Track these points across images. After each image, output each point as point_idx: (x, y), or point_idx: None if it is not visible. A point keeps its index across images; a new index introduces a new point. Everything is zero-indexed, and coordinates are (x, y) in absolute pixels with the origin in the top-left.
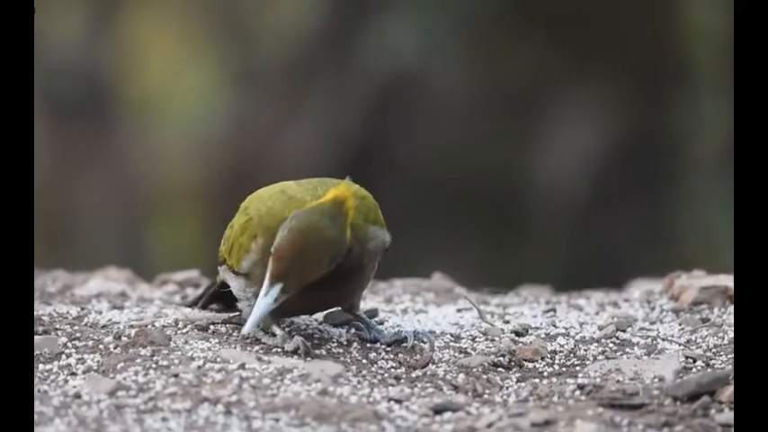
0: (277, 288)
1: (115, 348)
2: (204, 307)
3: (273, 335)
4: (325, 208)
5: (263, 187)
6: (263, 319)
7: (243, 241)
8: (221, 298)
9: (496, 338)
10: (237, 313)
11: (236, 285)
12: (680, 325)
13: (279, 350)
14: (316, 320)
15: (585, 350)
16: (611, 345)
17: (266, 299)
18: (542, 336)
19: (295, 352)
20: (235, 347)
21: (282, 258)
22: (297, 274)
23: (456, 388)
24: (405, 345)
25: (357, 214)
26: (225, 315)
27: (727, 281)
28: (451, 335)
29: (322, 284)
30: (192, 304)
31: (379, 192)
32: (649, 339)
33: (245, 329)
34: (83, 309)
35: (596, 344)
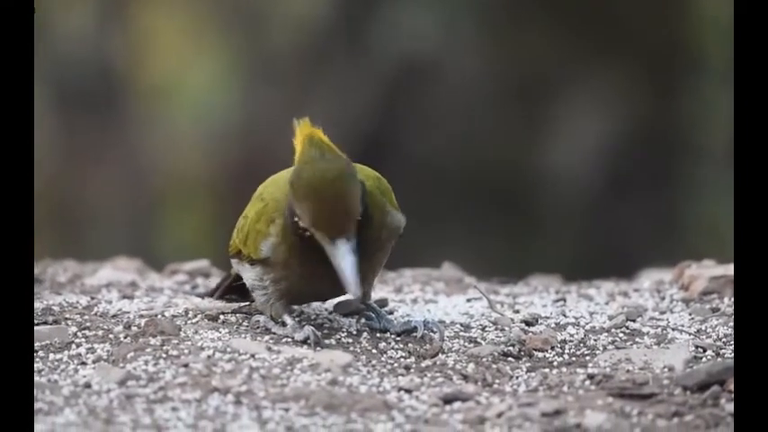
0: (342, 241)
1: (125, 338)
2: (221, 297)
3: (284, 324)
4: (310, 152)
5: (274, 174)
6: (276, 308)
7: (260, 227)
8: (238, 290)
9: (506, 328)
10: (248, 303)
11: (251, 275)
12: (690, 315)
13: (289, 340)
14: (326, 310)
15: (595, 340)
16: (620, 334)
17: (345, 255)
18: (552, 325)
19: (305, 342)
20: (245, 337)
21: (321, 212)
22: (342, 218)
23: (466, 378)
24: (414, 334)
25: (374, 188)
26: (235, 305)
27: None
28: (461, 324)
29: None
30: (208, 295)
31: (389, 181)
32: (659, 329)
33: (354, 291)
34: (93, 298)
35: (606, 333)
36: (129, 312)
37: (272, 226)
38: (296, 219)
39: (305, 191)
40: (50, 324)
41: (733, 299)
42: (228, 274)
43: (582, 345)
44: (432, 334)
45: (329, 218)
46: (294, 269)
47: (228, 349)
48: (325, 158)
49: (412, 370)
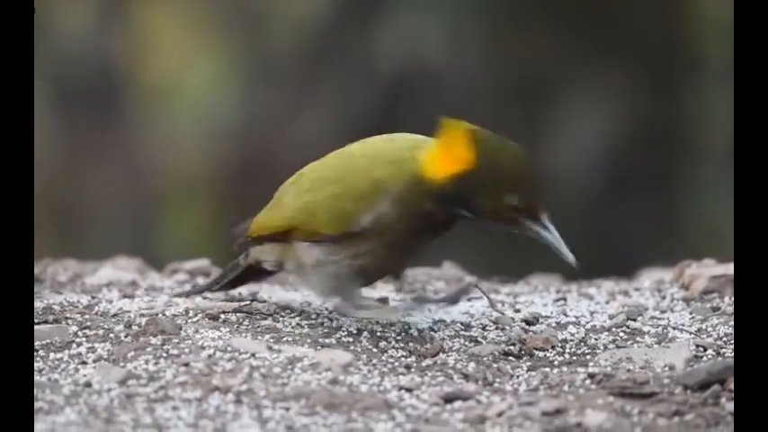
0: (545, 216)
1: (126, 337)
2: (234, 287)
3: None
4: (492, 140)
5: (311, 162)
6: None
7: (353, 204)
8: (253, 276)
9: (507, 327)
10: (248, 302)
11: (312, 254)
12: (690, 314)
13: (289, 339)
14: (326, 309)
15: (596, 339)
16: (621, 334)
17: (553, 228)
18: (553, 325)
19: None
20: (245, 336)
21: (534, 190)
22: (545, 195)
23: (466, 377)
24: (469, 297)
25: None
26: (236, 304)
27: None
28: (462, 324)
29: (433, 230)
30: (208, 289)
31: None
32: (660, 328)
33: (573, 260)
34: (93, 298)
35: (607, 333)
36: (129, 312)
37: (381, 199)
38: (508, 201)
39: (521, 175)
40: (51, 323)
41: (733, 298)
42: (236, 264)
43: (582, 344)
44: (432, 333)
45: (540, 195)
46: (388, 240)
47: (229, 348)
48: (506, 142)
49: (413, 369)
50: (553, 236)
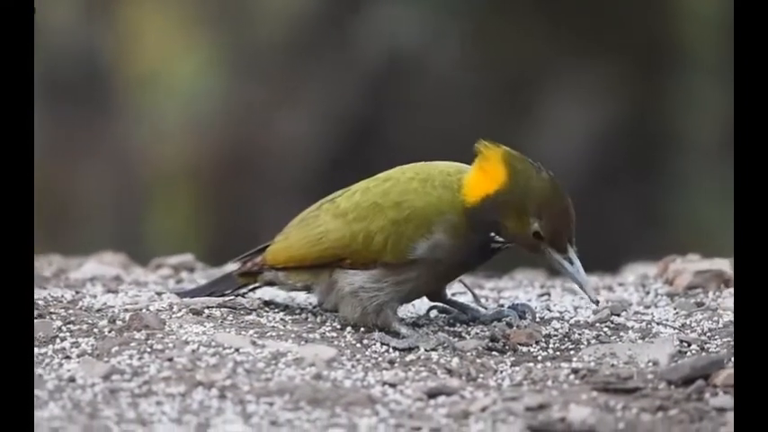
0: (572, 249)
1: (110, 332)
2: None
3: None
4: (526, 166)
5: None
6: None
7: (408, 232)
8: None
9: (491, 323)
10: (232, 297)
11: (354, 281)
12: (674, 309)
13: (273, 334)
14: (310, 304)
15: (580, 334)
16: (605, 329)
17: (577, 262)
18: (537, 320)
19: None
20: (229, 331)
21: (561, 221)
22: (573, 227)
23: (450, 372)
24: (507, 319)
25: None
26: (220, 299)
27: (722, 265)
28: (446, 318)
29: (476, 258)
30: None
31: (374, 174)
32: (644, 323)
33: (594, 297)
34: (77, 292)
35: (591, 328)
36: (113, 307)
37: (438, 225)
38: (532, 227)
39: (548, 202)
40: (35, 318)
41: (727, 291)
42: (232, 282)
43: (566, 339)
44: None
45: (568, 226)
46: (437, 268)
47: (213, 343)
48: (540, 170)
49: (396, 364)
50: (576, 271)
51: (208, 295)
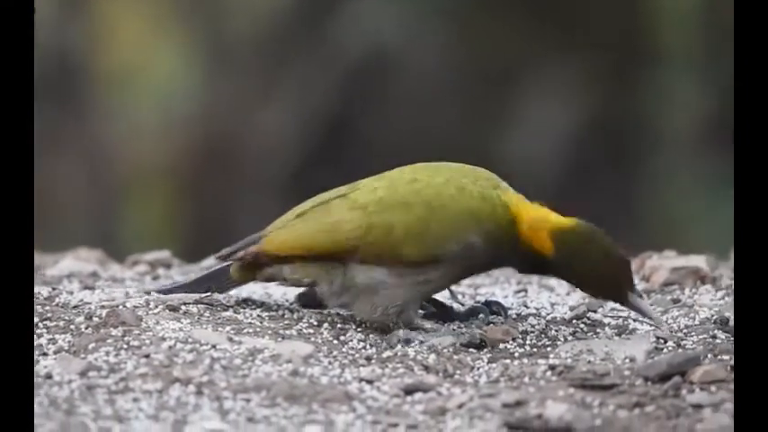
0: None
1: (86, 329)
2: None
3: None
4: (591, 231)
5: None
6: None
7: (435, 231)
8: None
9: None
10: (209, 294)
11: (373, 277)
12: (651, 305)
13: (251, 330)
14: (287, 301)
15: (557, 331)
16: (582, 325)
17: (642, 302)
18: (513, 316)
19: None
20: (206, 328)
21: (627, 277)
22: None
23: (427, 368)
24: (480, 317)
25: None
26: (196, 295)
27: (698, 261)
28: (421, 314)
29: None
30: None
31: (352, 172)
32: (620, 320)
33: (664, 329)
34: (54, 289)
35: (567, 324)
36: (90, 303)
37: (472, 230)
38: (612, 287)
39: (613, 263)
40: None
41: (703, 287)
42: (226, 277)
43: (543, 336)
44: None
45: (631, 279)
46: (459, 270)
47: (190, 340)
48: (596, 230)
49: (373, 361)
50: (647, 307)
51: (201, 292)
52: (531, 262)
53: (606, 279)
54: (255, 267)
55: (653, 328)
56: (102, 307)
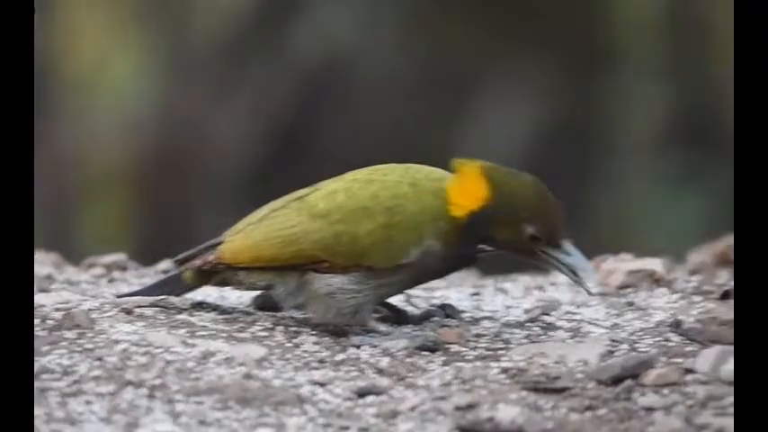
0: (567, 242)
1: (41, 331)
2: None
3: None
4: (506, 174)
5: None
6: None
7: (400, 238)
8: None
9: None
10: (164, 297)
11: (331, 284)
12: (606, 308)
13: (204, 333)
14: (241, 304)
15: (510, 334)
16: (536, 328)
17: (574, 254)
18: (468, 319)
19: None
20: (160, 331)
21: (555, 218)
22: (558, 218)
23: (380, 371)
24: (435, 320)
25: None
26: (151, 298)
27: (654, 264)
28: (377, 318)
29: (454, 265)
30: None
31: (309, 177)
32: (574, 323)
33: (588, 288)
34: None
35: (521, 327)
36: (45, 306)
37: (430, 232)
38: (527, 232)
39: (536, 204)
40: None
41: (658, 290)
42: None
43: (497, 339)
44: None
45: (558, 222)
46: (417, 274)
47: (143, 342)
48: (519, 174)
49: (326, 363)
50: (579, 258)
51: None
52: (475, 233)
53: (548, 216)
54: (211, 273)
55: (606, 330)
56: (57, 310)
